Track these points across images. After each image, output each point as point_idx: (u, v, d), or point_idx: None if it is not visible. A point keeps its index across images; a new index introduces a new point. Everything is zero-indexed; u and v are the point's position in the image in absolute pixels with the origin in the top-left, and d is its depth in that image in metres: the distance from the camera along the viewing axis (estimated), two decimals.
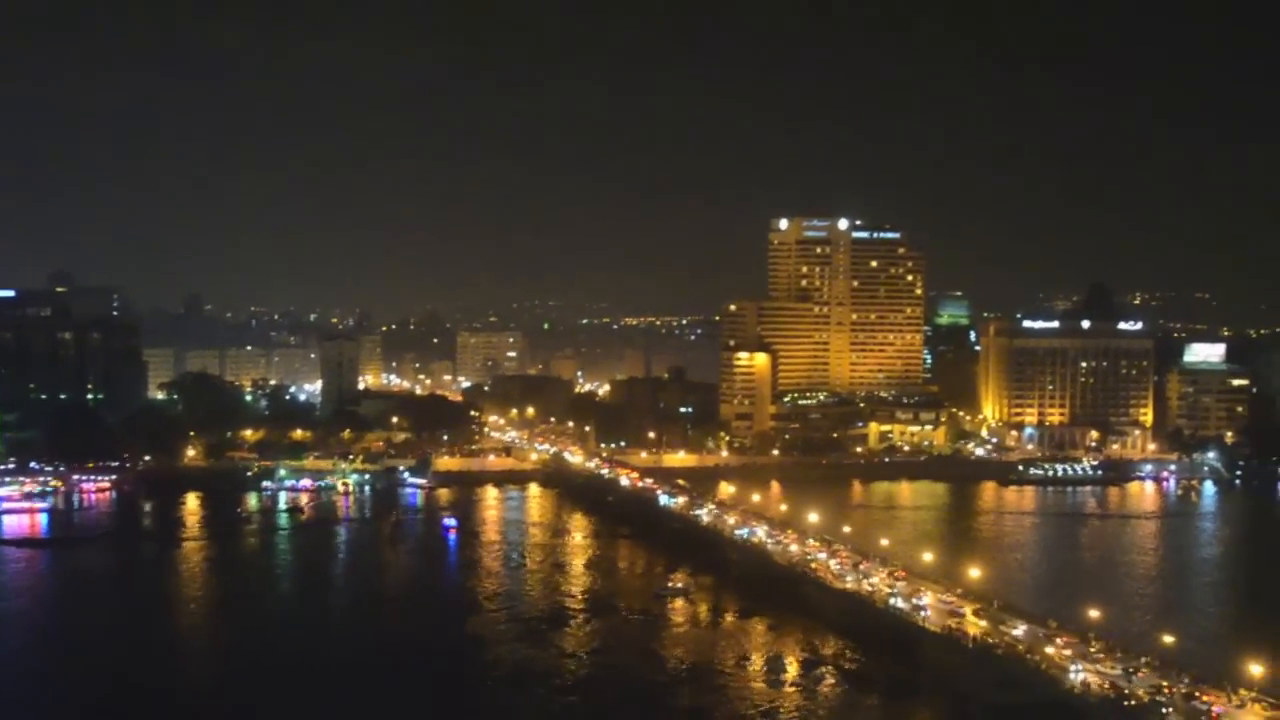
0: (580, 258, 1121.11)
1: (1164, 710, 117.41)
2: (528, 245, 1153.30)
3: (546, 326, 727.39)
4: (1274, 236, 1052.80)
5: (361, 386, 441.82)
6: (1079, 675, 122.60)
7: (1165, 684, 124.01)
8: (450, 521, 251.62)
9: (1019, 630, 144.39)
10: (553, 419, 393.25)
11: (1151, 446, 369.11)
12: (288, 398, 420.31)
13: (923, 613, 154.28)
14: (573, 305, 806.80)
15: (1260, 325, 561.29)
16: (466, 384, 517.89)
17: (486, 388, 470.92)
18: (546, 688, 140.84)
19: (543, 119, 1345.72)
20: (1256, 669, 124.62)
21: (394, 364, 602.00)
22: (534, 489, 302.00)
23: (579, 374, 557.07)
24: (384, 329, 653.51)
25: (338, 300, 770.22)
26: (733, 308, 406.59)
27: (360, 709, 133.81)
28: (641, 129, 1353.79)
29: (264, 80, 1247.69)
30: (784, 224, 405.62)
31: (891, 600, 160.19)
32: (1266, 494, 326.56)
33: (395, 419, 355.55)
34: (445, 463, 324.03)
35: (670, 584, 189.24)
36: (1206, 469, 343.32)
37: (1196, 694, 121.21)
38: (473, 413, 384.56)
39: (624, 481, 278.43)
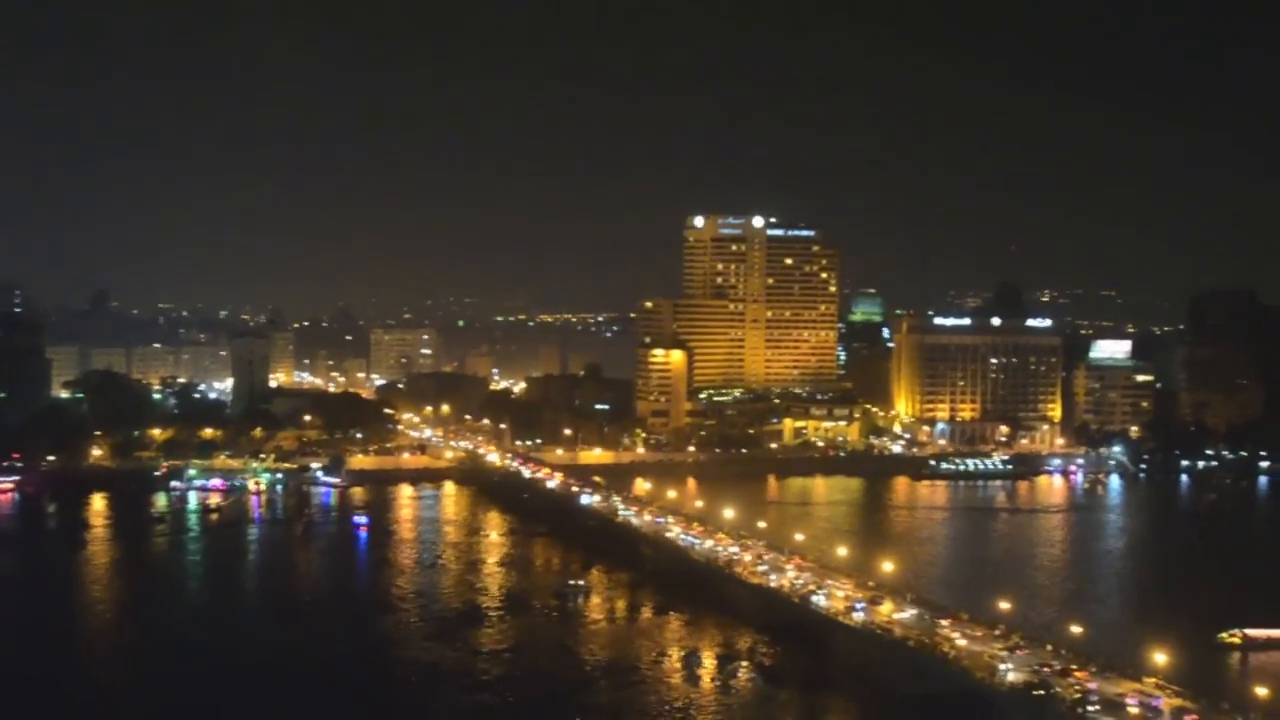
0: (496, 255, 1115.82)
1: (1053, 693, 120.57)
2: (443, 242, 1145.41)
3: (461, 324, 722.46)
4: (1178, 236, 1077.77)
5: (273, 384, 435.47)
6: (1009, 671, 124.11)
7: (1045, 664, 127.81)
8: (361, 519, 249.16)
9: (934, 621, 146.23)
10: (468, 417, 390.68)
11: (1060, 441, 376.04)
12: (197, 396, 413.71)
13: (836, 606, 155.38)
14: (488, 302, 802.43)
15: (1164, 323, 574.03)
16: (380, 382, 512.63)
17: (401, 385, 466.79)
18: (460, 687, 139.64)
19: (457, 114, 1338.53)
20: (1160, 657, 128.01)
21: (306, 361, 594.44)
22: (449, 487, 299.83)
23: (494, 371, 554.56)
24: (296, 326, 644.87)
25: (248, 297, 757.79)
26: (649, 305, 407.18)
27: (270, 712, 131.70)
28: (557, 125, 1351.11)
29: (170, 74, 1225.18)
30: (699, 221, 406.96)
31: (806, 594, 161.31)
32: (1169, 487, 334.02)
33: (308, 417, 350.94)
34: (359, 461, 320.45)
35: (572, 582, 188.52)
36: (1112, 463, 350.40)
37: (1071, 669, 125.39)
38: (387, 411, 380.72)
39: (539, 479, 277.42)
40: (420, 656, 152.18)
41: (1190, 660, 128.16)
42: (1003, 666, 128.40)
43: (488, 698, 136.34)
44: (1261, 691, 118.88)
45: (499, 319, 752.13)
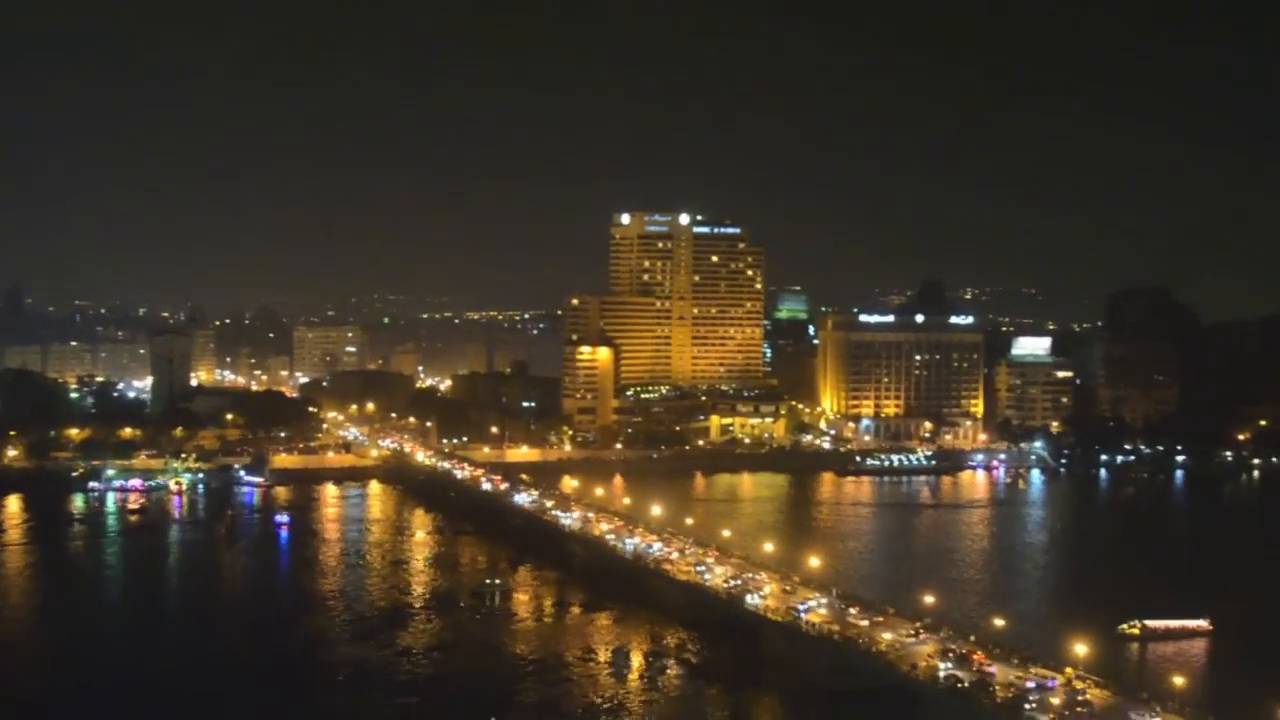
0: (421, 251, 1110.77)
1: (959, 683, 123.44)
2: (367, 239, 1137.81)
3: (387, 321, 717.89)
4: (1096, 233, 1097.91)
5: (194, 383, 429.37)
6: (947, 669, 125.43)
7: (950, 648, 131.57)
8: (282, 518, 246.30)
9: (859, 615, 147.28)
10: (394, 415, 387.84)
11: (982, 437, 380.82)
12: (115, 395, 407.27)
13: (763, 602, 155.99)
14: (413, 299, 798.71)
15: (1083, 319, 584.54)
16: (304, 380, 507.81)
17: (325, 384, 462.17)
18: (385, 687, 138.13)
19: (385, 111, 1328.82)
20: (1080, 648, 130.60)
21: (228, 360, 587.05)
22: (375, 486, 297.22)
23: (420, 369, 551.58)
24: (217, 324, 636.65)
25: (168, 294, 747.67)
26: (575, 302, 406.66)
27: (192, 716, 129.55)
28: (484, 122, 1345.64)
29: (93, 70, 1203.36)
30: (626, 218, 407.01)
31: (734, 591, 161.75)
32: (1089, 481, 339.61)
33: (230, 416, 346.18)
34: (283, 460, 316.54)
35: (489, 580, 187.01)
36: (1034, 458, 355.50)
37: (970, 654, 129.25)
38: (311, 409, 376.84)
39: (466, 477, 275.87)
40: (345, 657, 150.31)
41: (1094, 650, 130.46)
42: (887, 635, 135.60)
43: (413, 698, 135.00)
44: (1178, 681, 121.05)
45: (425, 316, 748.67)
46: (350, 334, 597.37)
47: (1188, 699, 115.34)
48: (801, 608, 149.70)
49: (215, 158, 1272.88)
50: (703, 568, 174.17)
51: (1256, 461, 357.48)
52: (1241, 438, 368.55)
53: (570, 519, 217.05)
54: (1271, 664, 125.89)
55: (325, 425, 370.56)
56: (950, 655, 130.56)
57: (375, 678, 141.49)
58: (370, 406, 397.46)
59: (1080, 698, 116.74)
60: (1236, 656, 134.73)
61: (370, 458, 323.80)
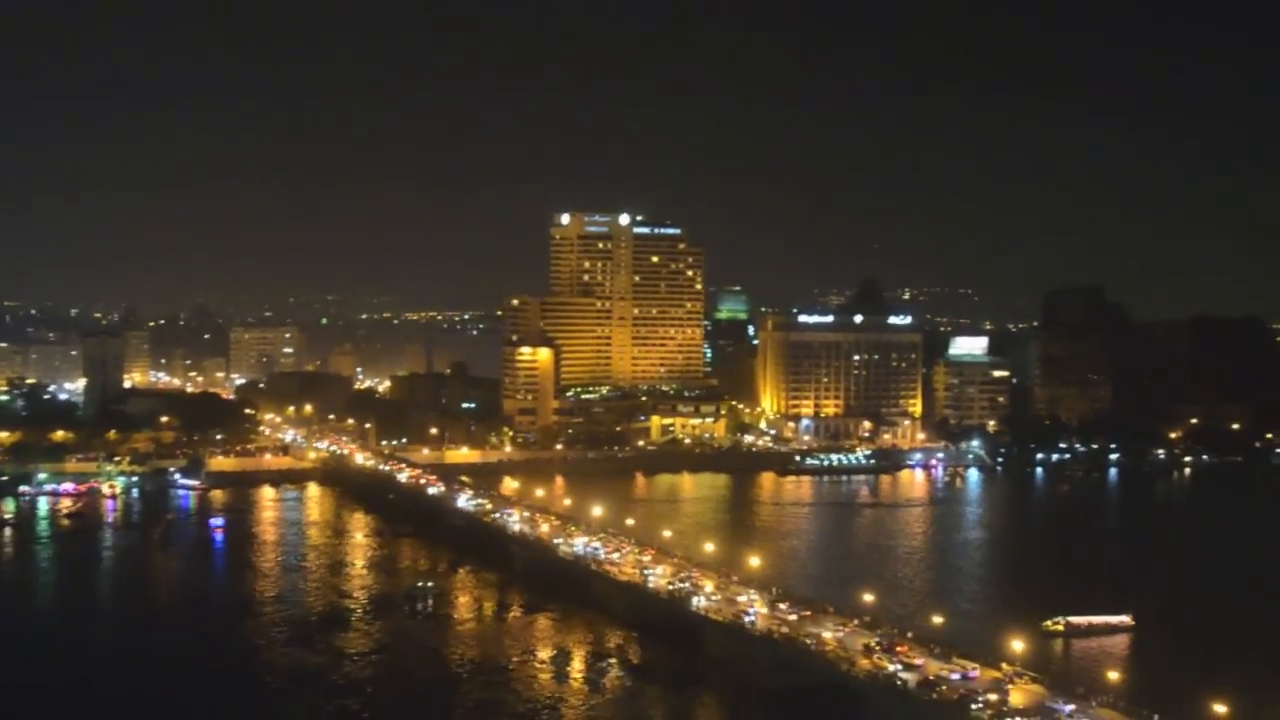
0: (359, 252, 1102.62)
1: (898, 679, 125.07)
2: (305, 239, 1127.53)
3: (324, 322, 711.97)
4: (1032, 236, 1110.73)
5: (128, 385, 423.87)
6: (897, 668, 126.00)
7: (873, 641, 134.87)
8: (217, 521, 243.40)
9: (797, 616, 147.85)
10: (332, 416, 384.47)
11: (920, 436, 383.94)
12: (47, 397, 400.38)
13: (704, 602, 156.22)
14: (352, 300, 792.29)
15: (1019, 320, 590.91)
16: (241, 381, 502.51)
17: (262, 385, 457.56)
18: (322, 691, 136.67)
19: (319, 110, 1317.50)
20: (1017, 644, 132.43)
21: (163, 361, 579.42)
22: (313, 488, 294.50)
23: (359, 370, 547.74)
24: (151, 325, 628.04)
25: (101, 295, 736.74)
26: (515, 302, 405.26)
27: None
28: (422, 122, 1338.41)
29: (26, 70, 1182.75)
30: (566, 219, 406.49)
31: (675, 591, 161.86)
32: (1025, 479, 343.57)
33: (165, 418, 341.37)
34: (219, 463, 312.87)
35: (420, 584, 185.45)
36: (971, 456, 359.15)
37: (896, 645, 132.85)
38: (248, 411, 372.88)
39: (405, 479, 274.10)
40: (282, 661, 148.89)
41: (1022, 646, 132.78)
42: (827, 634, 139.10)
43: (351, 702, 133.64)
44: (1108, 676, 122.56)
45: (363, 317, 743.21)
46: (287, 335, 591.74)
47: (1122, 693, 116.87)
48: (750, 612, 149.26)
49: (150, 159, 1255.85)
50: (644, 568, 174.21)
51: (1188, 459, 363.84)
52: (1173, 436, 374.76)
53: (511, 520, 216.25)
54: (1189, 658, 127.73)
55: (262, 427, 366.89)
56: (877, 648, 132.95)
57: (313, 681, 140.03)
58: (308, 408, 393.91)
59: (1011, 689, 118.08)
60: (1157, 651, 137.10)
61: (308, 460, 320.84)
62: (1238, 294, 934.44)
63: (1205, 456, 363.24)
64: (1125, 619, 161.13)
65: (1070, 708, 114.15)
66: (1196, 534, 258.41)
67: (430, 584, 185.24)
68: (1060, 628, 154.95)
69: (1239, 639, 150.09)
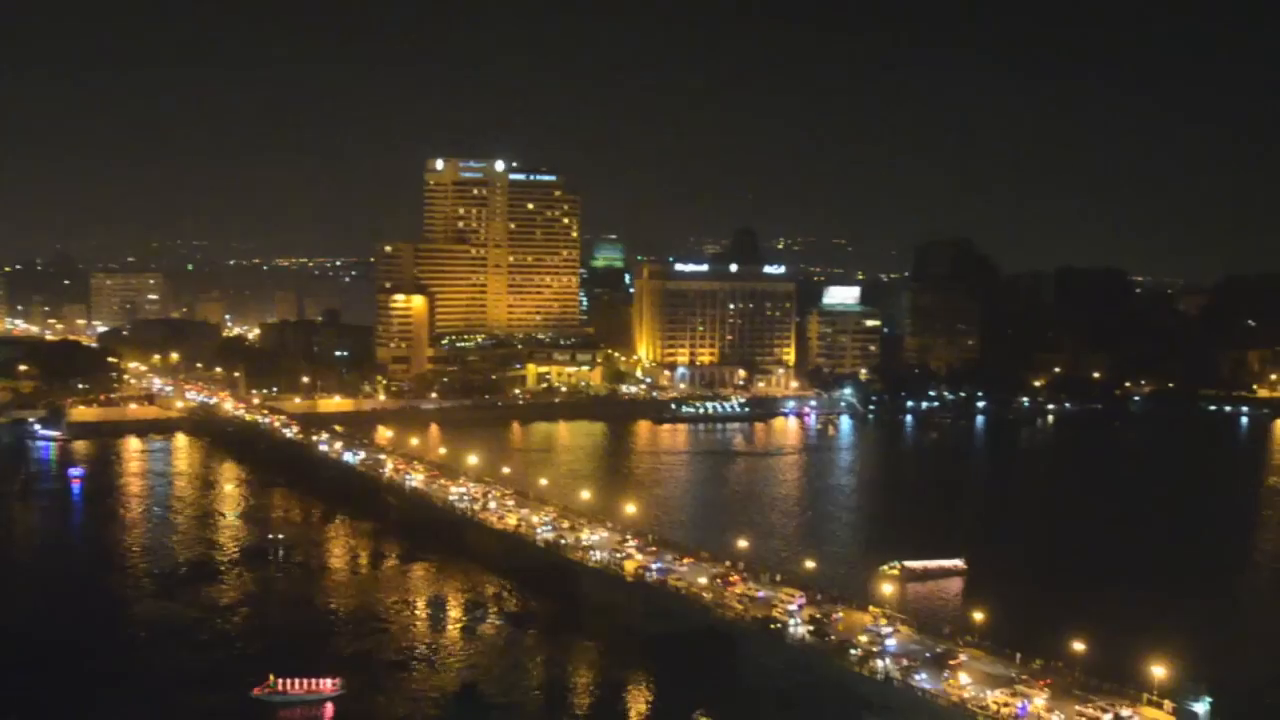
0: (226, 197, 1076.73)
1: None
2: (169, 182, 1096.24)
3: (190, 268, 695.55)
4: (904, 187, 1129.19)
5: None
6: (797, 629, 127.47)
7: (716, 576, 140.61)
8: (76, 471, 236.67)
9: (676, 563, 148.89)
10: (200, 365, 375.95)
11: (794, 384, 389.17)
12: None
13: (582, 550, 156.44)
14: (219, 246, 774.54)
15: (891, 270, 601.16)
16: (103, 329, 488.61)
17: (126, 332, 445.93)
18: (191, 644, 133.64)
19: (188, 51, 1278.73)
20: (887, 588, 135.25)
21: (20, 308, 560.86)
22: (181, 439, 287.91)
23: (227, 317, 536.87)
24: (7, 270, 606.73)
25: None
26: (388, 249, 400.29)
27: None
28: (292, 66, 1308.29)
29: None
30: (440, 164, 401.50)
31: (550, 538, 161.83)
32: (895, 427, 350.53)
33: (23, 367, 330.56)
34: (81, 413, 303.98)
35: (271, 536, 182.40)
36: (843, 404, 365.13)
37: (730, 577, 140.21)
38: (111, 360, 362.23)
39: (277, 428, 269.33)
40: (148, 614, 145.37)
41: (862, 588, 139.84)
42: (653, 567, 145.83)
43: (220, 654, 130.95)
44: (986, 615, 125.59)
45: (231, 263, 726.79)
46: (152, 281, 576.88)
47: (987, 633, 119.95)
48: (655, 565, 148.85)
49: (6, 101, 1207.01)
50: (520, 517, 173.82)
51: (1051, 407, 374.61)
52: (1037, 384, 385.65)
53: (386, 469, 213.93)
54: (1015, 600, 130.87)
55: (127, 376, 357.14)
56: (718, 580, 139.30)
57: (182, 634, 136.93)
58: (174, 356, 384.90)
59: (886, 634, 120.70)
60: (986, 593, 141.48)
61: (175, 409, 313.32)
62: (1099, 247, 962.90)
63: (1067, 404, 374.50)
64: (959, 563, 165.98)
65: (943, 649, 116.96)
66: (1050, 480, 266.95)
67: (282, 535, 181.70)
68: (896, 572, 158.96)
69: (1068, 582, 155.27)
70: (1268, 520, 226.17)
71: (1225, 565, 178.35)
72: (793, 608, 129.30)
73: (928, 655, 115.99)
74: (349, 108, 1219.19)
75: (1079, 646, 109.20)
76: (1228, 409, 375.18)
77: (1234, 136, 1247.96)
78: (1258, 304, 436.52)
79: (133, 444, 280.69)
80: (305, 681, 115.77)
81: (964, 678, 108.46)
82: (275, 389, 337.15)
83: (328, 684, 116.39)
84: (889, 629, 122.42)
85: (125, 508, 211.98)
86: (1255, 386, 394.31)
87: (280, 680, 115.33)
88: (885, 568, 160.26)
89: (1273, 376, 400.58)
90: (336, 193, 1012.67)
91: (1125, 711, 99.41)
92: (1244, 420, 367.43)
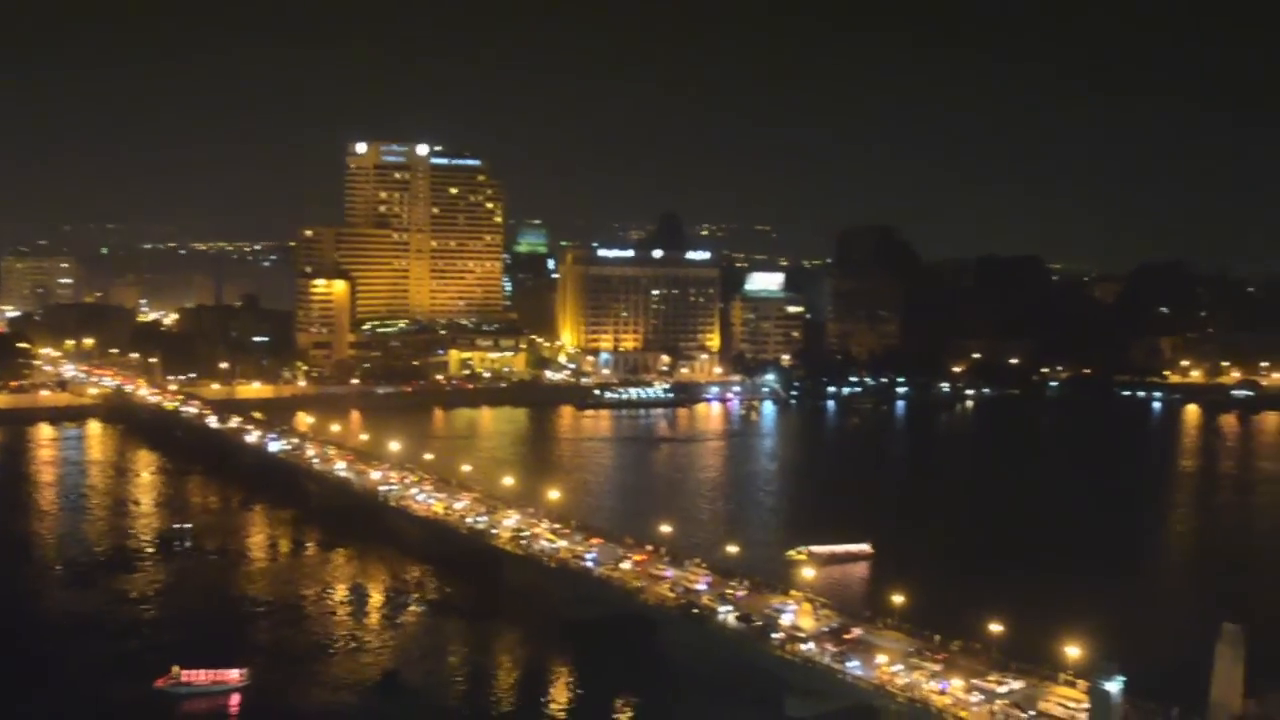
0: (142, 179, 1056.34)
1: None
2: (82, 164, 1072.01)
3: (105, 251, 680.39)
4: (826, 173, 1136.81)
5: None
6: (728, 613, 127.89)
7: (620, 556, 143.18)
8: None
9: (595, 548, 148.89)
10: (114, 351, 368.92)
11: (718, 370, 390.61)
12: None
13: (504, 536, 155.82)
14: (134, 229, 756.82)
15: (814, 257, 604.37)
16: (13, 314, 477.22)
17: (37, 317, 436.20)
18: (104, 635, 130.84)
19: (101, 29, 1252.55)
20: (808, 573, 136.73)
21: None
22: (95, 426, 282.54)
23: (142, 302, 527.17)
24: None
25: None
26: (309, 233, 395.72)
27: None
28: (209, 46, 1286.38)
29: None
30: (361, 148, 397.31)
31: (473, 525, 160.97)
32: (818, 412, 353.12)
33: None
34: None
35: (177, 525, 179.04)
36: (766, 390, 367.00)
37: (634, 556, 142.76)
38: (21, 345, 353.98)
39: (194, 415, 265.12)
40: (59, 604, 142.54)
41: (764, 572, 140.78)
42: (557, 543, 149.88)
43: (134, 644, 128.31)
44: (897, 599, 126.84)
45: (146, 247, 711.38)
46: (64, 265, 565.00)
47: (907, 615, 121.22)
48: (590, 556, 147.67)
49: None
50: (443, 503, 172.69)
51: (970, 392, 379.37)
52: (957, 369, 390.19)
53: (303, 455, 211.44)
54: (921, 583, 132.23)
55: (38, 362, 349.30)
56: (624, 560, 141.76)
57: (95, 625, 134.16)
58: (88, 342, 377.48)
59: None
60: (891, 576, 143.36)
61: (89, 396, 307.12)
62: (1018, 235, 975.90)
63: (986, 389, 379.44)
64: (865, 547, 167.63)
65: (864, 631, 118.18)
66: (965, 465, 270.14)
67: (188, 525, 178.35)
68: (803, 557, 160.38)
69: (976, 565, 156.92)
70: (1179, 503, 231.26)
71: (1138, 547, 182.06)
72: (700, 586, 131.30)
73: (824, 630, 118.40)
74: (266, 88, 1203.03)
75: (996, 628, 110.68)
76: (1141, 394, 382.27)
77: (1149, 132, 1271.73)
78: (1169, 291, 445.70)
79: (45, 431, 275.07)
80: (210, 672, 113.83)
81: (880, 658, 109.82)
82: (193, 375, 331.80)
83: (233, 674, 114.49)
84: (790, 608, 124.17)
85: (37, 496, 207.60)
86: (1167, 372, 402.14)
87: (184, 671, 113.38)
88: (792, 553, 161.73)
89: (1184, 362, 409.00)
90: (254, 175, 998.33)
91: (1016, 683, 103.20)
92: (1157, 405, 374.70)
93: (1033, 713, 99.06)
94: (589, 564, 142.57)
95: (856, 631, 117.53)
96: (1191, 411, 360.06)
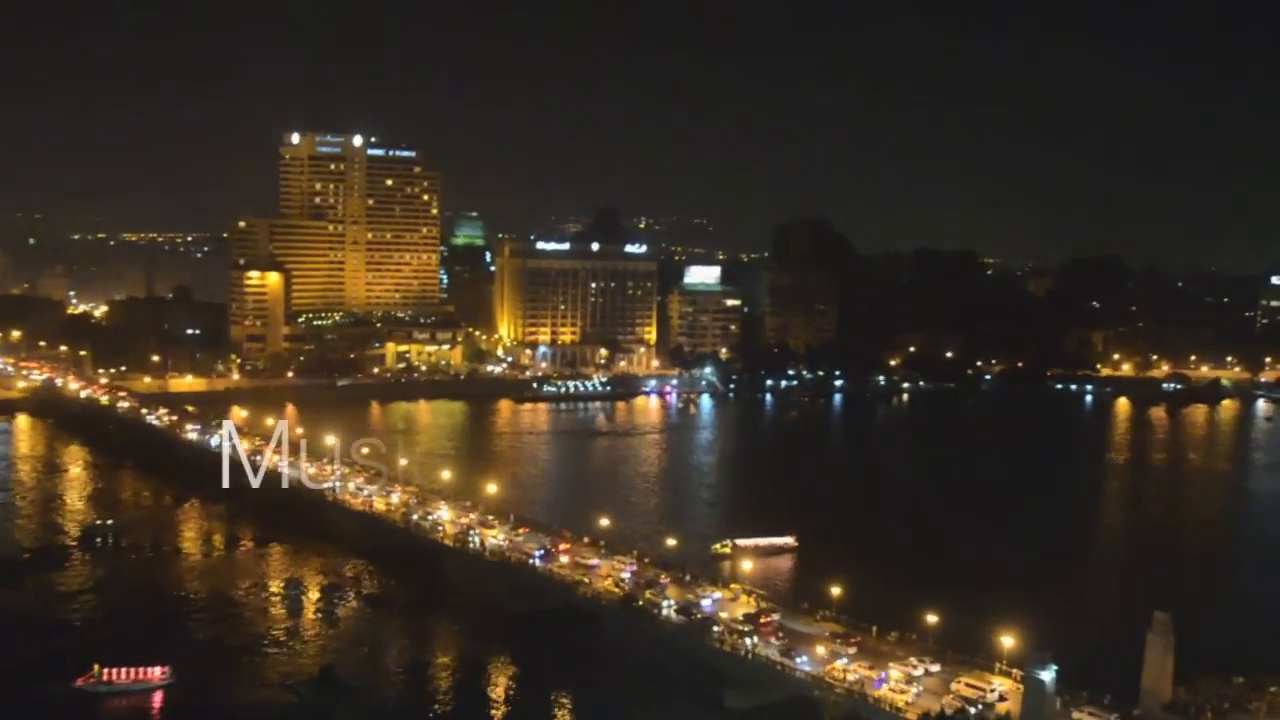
0: (71, 168, 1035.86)
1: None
2: (6, 151, 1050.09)
3: (32, 242, 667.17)
4: (764, 166, 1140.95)
5: None
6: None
7: (544, 546, 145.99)
8: None
9: (533, 542, 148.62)
10: (43, 343, 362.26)
11: (655, 363, 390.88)
12: None
13: (442, 530, 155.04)
14: (62, 219, 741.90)
15: (751, 250, 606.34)
16: None
17: None
18: (30, 633, 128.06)
19: (27, 8, 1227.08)
20: (746, 565, 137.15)
21: None
22: (23, 420, 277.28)
23: (71, 294, 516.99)
24: None
25: None
26: (242, 225, 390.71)
27: None
28: (142, 34, 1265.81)
29: None
30: (296, 139, 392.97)
31: (410, 519, 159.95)
32: (755, 405, 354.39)
33: None
34: None
35: (100, 521, 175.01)
36: (704, 383, 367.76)
37: (560, 546, 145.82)
38: None
39: (125, 409, 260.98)
40: None
41: (698, 564, 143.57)
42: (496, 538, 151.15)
43: (58, 643, 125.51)
44: (834, 590, 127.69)
45: (76, 237, 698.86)
46: None
47: (844, 607, 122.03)
48: (537, 551, 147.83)
49: None
50: (380, 497, 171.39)
51: (906, 385, 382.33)
52: (893, 362, 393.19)
53: (239, 449, 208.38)
54: (841, 574, 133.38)
55: None
56: (543, 547, 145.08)
57: (21, 623, 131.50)
58: (15, 334, 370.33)
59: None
60: (813, 567, 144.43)
61: (16, 390, 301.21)
62: (953, 229, 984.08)
63: (921, 382, 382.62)
64: (789, 540, 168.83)
65: (799, 624, 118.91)
66: (898, 457, 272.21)
67: (111, 520, 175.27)
68: (728, 550, 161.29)
69: (905, 557, 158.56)
70: (1110, 493, 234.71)
71: (1070, 538, 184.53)
72: (625, 575, 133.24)
73: (743, 616, 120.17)
74: (200, 76, 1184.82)
75: (931, 619, 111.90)
76: (1074, 387, 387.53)
77: (1083, 128, 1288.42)
78: (1100, 286, 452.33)
79: None
80: (132, 671, 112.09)
81: (821, 649, 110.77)
82: (124, 368, 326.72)
83: (155, 672, 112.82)
84: (711, 598, 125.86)
85: None
86: (1099, 365, 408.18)
87: (106, 670, 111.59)
88: (718, 546, 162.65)
89: (1115, 355, 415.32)
90: (186, 165, 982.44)
91: (933, 667, 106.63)
92: (1089, 398, 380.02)
93: (948, 697, 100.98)
94: (533, 559, 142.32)
95: (774, 617, 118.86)
96: (1122, 404, 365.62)
